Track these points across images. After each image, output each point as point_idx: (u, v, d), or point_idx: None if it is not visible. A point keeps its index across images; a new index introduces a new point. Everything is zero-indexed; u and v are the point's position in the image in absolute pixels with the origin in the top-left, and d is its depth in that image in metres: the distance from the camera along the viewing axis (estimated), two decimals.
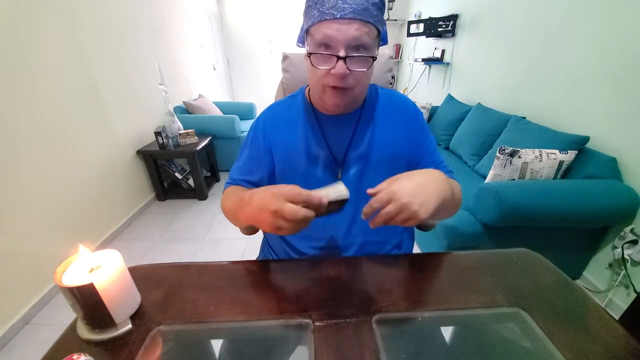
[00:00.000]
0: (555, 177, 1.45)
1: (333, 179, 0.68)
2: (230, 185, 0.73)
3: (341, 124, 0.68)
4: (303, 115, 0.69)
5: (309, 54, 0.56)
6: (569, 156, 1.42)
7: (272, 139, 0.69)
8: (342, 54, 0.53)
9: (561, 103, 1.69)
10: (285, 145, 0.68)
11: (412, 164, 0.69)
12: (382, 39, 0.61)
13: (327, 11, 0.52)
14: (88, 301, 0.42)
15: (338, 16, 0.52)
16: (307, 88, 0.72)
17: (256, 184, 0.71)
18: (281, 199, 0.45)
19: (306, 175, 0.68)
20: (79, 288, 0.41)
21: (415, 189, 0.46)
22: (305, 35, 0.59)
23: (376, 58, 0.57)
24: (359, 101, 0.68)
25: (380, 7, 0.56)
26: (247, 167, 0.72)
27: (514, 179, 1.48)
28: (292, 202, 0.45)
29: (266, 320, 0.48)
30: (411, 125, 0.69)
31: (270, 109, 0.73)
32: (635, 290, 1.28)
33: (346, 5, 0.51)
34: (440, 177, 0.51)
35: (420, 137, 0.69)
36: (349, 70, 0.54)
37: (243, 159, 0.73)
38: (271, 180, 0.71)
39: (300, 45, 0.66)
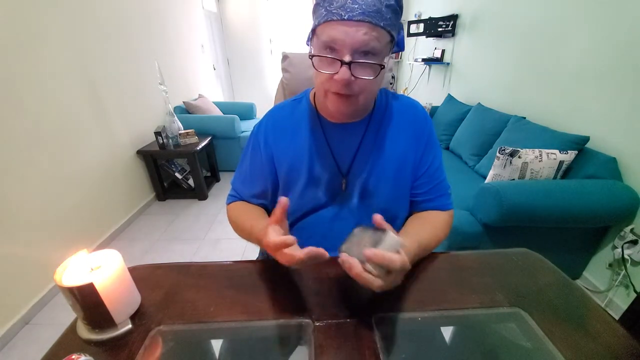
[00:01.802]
0: (555, 177, 1.45)
1: (337, 189, 0.66)
2: (236, 200, 0.73)
3: (347, 133, 0.64)
4: (307, 122, 0.66)
5: (312, 56, 0.52)
6: (569, 156, 1.42)
7: (274, 148, 0.66)
8: (347, 59, 0.49)
9: (561, 103, 1.69)
10: (288, 155, 0.66)
11: (416, 176, 0.67)
12: (398, 45, 0.56)
13: (334, 10, 0.48)
14: (88, 301, 0.42)
15: (346, 17, 0.47)
16: (313, 91, 0.68)
17: (260, 195, 0.71)
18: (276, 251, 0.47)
19: (309, 186, 0.66)
20: (79, 288, 0.41)
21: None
22: (311, 34, 0.55)
23: (385, 66, 0.52)
24: (366, 109, 0.64)
25: (396, 10, 0.50)
26: (250, 178, 0.71)
27: (514, 179, 1.48)
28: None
29: (266, 320, 0.48)
30: (418, 134, 0.66)
31: (272, 115, 0.70)
32: (635, 290, 1.28)
33: (355, 6, 0.47)
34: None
35: (424, 150, 0.66)
36: (354, 77, 0.50)
37: (245, 168, 0.72)
38: (275, 189, 0.70)
39: (310, 45, 0.63)
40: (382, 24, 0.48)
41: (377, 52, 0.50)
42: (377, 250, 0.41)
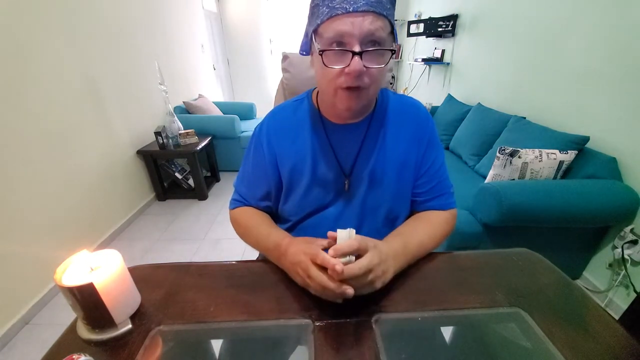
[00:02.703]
0: (555, 177, 1.45)
1: (339, 190, 0.66)
2: (241, 205, 0.72)
3: (350, 133, 0.64)
4: (309, 123, 0.66)
5: (321, 52, 0.51)
6: (569, 156, 1.42)
7: (277, 150, 0.66)
8: (357, 49, 0.49)
9: (561, 103, 1.69)
10: (290, 155, 0.66)
11: (417, 175, 0.67)
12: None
13: (337, 5, 0.49)
14: (88, 301, 0.42)
15: (351, 10, 0.48)
16: (315, 92, 0.68)
17: (265, 197, 0.71)
18: (312, 264, 0.48)
19: (312, 187, 0.66)
20: (79, 288, 0.41)
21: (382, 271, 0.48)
22: (312, 36, 0.55)
23: (395, 51, 0.53)
24: (372, 104, 0.64)
25: (393, 0, 0.52)
26: (253, 180, 0.70)
27: (514, 179, 1.48)
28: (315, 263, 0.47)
29: (266, 320, 0.48)
30: (420, 134, 0.66)
31: (273, 116, 0.70)
32: (635, 290, 1.28)
33: None
34: (399, 254, 0.54)
35: (425, 149, 0.66)
36: (365, 67, 0.50)
37: (248, 170, 0.71)
38: (278, 190, 0.69)
39: (304, 53, 0.62)
40: (384, 13, 0.50)
41: (383, 42, 0.51)
42: (335, 246, 0.46)
